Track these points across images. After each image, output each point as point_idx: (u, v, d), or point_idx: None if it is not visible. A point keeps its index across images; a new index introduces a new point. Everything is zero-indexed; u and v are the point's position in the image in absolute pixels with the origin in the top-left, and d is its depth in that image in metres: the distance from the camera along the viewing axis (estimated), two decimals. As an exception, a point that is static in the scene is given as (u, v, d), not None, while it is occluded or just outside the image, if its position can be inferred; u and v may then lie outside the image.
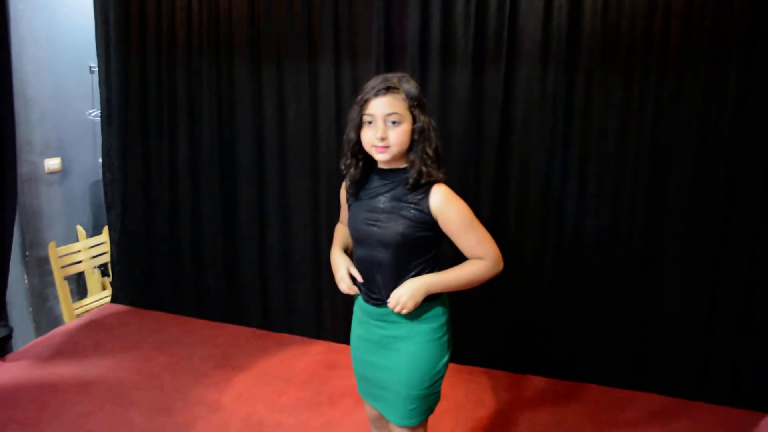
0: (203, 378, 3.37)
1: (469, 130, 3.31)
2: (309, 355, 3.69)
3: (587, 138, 3.18)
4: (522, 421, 3.05)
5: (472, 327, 3.51)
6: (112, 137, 4.13)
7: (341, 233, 2.24)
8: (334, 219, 3.64)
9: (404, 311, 1.90)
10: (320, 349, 3.76)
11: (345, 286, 2.10)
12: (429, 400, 2.03)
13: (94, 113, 4.58)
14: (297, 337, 3.92)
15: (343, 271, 2.11)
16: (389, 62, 3.39)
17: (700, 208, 3.08)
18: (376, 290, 2.00)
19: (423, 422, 2.07)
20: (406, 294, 1.89)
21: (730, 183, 3.01)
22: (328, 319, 3.87)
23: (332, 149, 3.61)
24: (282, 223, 3.87)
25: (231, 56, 3.76)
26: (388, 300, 1.93)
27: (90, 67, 4.55)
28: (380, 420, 2.25)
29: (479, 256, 1.92)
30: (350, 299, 3.74)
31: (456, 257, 1.99)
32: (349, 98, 3.52)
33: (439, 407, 3.14)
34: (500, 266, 1.94)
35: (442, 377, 2.03)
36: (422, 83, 3.33)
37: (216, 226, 4.02)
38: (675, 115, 3.04)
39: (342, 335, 3.82)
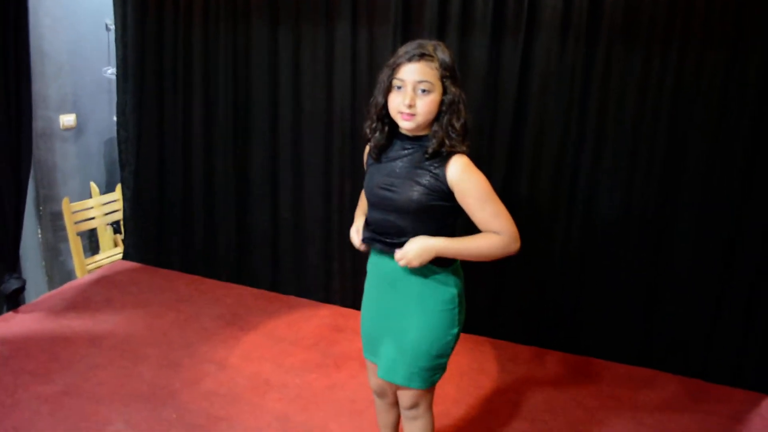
0: (212, 336, 3.42)
1: (485, 99, 3.28)
2: (317, 318, 3.73)
3: (604, 112, 3.15)
4: (524, 390, 3.08)
5: (479, 297, 3.52)
6: (128, 95, 4.13)
7: (363, 205, 2.21)
8: (346, 183, 3.68)
9: (408, 266, 1.88)
10: (328, 313, 3.80)
11: (357, 240, 2.10)
12: (434, 368, 2.03)
13: (110, 71, 4.58)
14: (305, 300, 3.96)
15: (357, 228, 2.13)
16: (407, 28, 3.35)
17: (714, 188, 3.06)
18: (387, 243, 1.97)
19: (427, 389, 2.08)
20: (414, 251, 1.85)
21: (747, 163, 2.98)
22: (337, 283, 3.90)
23: (346, 114, 3.60)
24: (294, 186, 3.87)
25: (248, 16, 3.73)
26: (396, 251, 1.90)
27: (106, 24, 4.55)
28: (384, 391, 2.25)
29: (495, 231, 1.88)
30: (360, 263, 3.76)
31: (470, 230, 1.97)
32: (365, 63, 3.50)
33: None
34: (517, 245, 1.90)
35: (451, 348, 2.03)
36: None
37: (228, 187, 4.03)
38: (694, 94, 3.00)
39: (350, 300, 3.85)
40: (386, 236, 1.97)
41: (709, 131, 3.01)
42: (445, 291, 1.97)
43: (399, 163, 1.92)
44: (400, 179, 1.90)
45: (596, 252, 3.32)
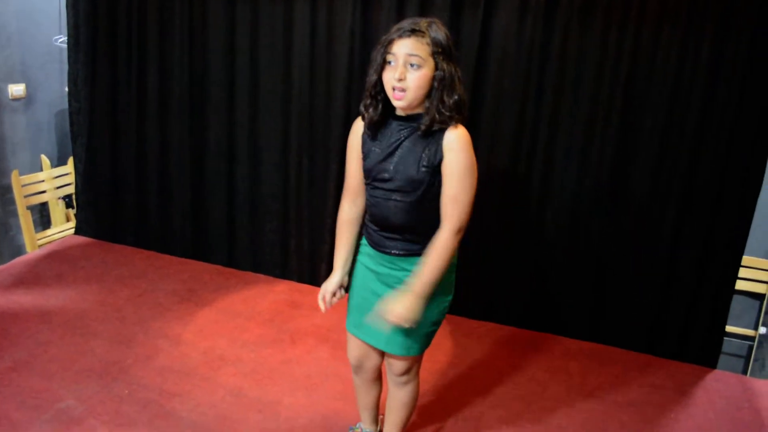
0: (166, 312, 3.38)
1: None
2: (273, 293, 3.72)
3: (561, 90, 3.18)
4: (478, 365, 3.13)
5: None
6: (79, 65, 4.01)
7: (344, 235, 2.19)
8: (304, 160, 3.64)
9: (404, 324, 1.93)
10: (284, 289, 3.79)
11: (322, 305, 2.17)
12: (431, 334, 2.12)
13: (62, 39, 4.44)
14: (261, 276, 3.94)
15: (327, 288, 2.18)
16: (366, 5, 3.32)
17: (665, 167, 3.13)
18: (388, 235, 2.03)
19: (422, 354, 2.15)
20: (404, 316, 1.90)
21: (697, 141, 3.05)
22: (294, 260, 3.88)
23: (305, 90, 3.56)
24: (251, 162, 3.83)
25: (204, -13, 3.66)
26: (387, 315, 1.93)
27: (58, -10, 4.40)
28: (362, 365, 2.27)
29: (447, 212, 1.92)
30: (317, 240, 3.75)
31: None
32: (323, 39, 3.46)
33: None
34: (459, 236, 1.94)
35: (445, 314, 2.12)
36: (398, 26, 3.28)
37: (184, 161, 3.96)
38: (649, 72, 3.04)
39: (306, 276, 3.85)
40: (387, 235, 2.03)
41: (662, 110, 3.07)
42: None
43: (398, 143, 1.96)
44: (402, 158, 1.94)
45: (549, 228, 3.37)
